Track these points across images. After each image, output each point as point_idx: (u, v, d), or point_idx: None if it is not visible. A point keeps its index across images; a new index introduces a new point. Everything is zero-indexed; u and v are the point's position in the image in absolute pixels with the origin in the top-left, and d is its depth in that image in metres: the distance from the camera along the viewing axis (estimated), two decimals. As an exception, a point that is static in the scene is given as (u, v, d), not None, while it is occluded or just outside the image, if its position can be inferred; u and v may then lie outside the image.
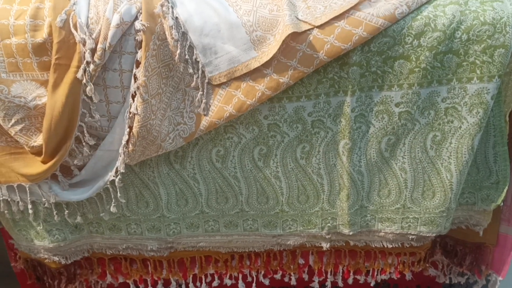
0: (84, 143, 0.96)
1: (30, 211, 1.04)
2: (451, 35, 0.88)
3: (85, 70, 0.88)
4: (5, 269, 1.28)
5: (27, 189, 1.00)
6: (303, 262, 1.18)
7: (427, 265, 1.21)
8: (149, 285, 1.23)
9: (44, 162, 0.96)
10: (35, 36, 0.89)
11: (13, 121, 0.93)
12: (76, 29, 0.87)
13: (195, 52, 0.90)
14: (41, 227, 1.09)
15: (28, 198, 1.02)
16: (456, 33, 0.88)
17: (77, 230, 1.12)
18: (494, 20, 0.87)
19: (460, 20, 0.88)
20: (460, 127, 0.94)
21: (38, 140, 0.95)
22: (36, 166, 0.97)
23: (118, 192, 1.01)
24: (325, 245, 1.12)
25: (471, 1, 0.90)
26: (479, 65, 0.90)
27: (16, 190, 1.01)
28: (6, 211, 1.05)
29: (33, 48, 0.89)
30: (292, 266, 1.18)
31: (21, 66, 0.91)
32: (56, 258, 1.15)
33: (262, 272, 1.20)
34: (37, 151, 0.96)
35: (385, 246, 1.13)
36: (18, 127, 0.94)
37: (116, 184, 0.99)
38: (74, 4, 0.89)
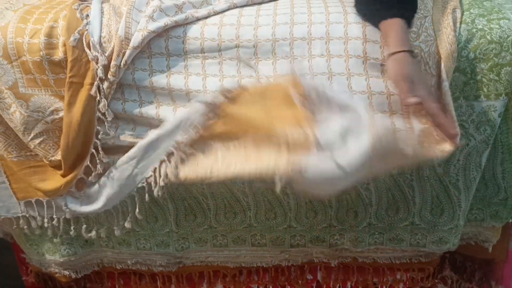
0: (98, 160, 0.97)
1: (47, 225, 1.05)
2: (458, 54, 0.89)
3: (98, 87, 0.90)
4: (17, 282, 1.29)
5: (45, 204, 1.02)
6: (311, 277, 1.18)
7: (436, 281, 1.20)
8: (158, 299, 1.24)
9: (63, 176, 0.97)
10: (51, 54, 0.91)
11: (32, 134, 0.95)
12: (89, 47, 0.89)
13: None
14: (53, 242, 1.11)
15: (46, 214, 1.03)
16: (463, 52, 0.89)
17: (88, 244, 1.13)
18: (501, 39, 0.88)
19: (468, 39, 0.89)
20: (468, 144, 0.95)
21: (56, 155, 0.97)
22: (54, 180, 0.98)
23: (137, 208, 1.02)
24: (333, 262, 1.12)
25: (477, 19, 0.91)
26: (486, 83, 0.90)
27: (34, 205, 1.02)
28: (25, 226, 1.07)
29: (49, 65, 0.92)
30: (300, 282, 1.18)
31: (39, 82, 0.93)
32: (66, 272, 1.16)
33: (270, 287, 1.20)
34: (55, 165, 0.98)
35: (394, 262, 1.12)
36: (37, 141, 0.96)
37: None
38: (87, 24, 0.91)
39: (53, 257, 1.13)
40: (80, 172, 0.97)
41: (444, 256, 1.17)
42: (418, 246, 1.07)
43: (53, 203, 1.02)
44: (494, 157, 0.98)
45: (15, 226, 1.07)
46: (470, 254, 1.16)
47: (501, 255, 1.12)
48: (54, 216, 1.04)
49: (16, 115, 0.93)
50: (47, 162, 0.98)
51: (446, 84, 0.87)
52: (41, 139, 0.96)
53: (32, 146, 0.96)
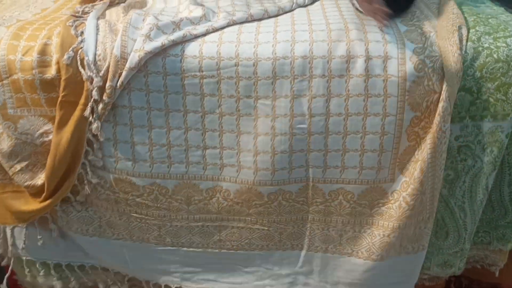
0: (86, 181, 0.95)
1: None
2: (464, 73, 0.86)
3: (92, 108, 0.87)
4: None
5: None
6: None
7: (441, 304, 1.17)
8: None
9: (44, 200, 0.94)
10: (43, 72, 0.88)
11: (19, 157, 0.92)
12: (83, 66, 0.86)
13: None
14: (45, 265, 1.08)
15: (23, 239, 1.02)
16: (469, 71, 0.86)
17: (80, 268, 1.10)
18: (508, 57, 0.86)
19: (474, 57, 0.86)
20: (474, 165, 0.92)
21: (43, 176, 0.94)
22: (35, 203, 0.95)
23: None
24: None
25: (483, 37, 0.89)
26: (492, 103, 0.88)
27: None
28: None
29: (41, 84, 0.89)
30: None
31: (29, 101, 0.90)
32: (59, 296, 1.13)
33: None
34: (37, 191, 0.95)
35: (398, 285, 1.09)
36: (23, 164, 0.93)
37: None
38: (81, 41, 0.88)
39: (45, 280, 1.09)
40: (66, 192, 0.95)
41: (449, 280, 1.14)
42: (422, 268, 1.03)
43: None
44: (501, 178, 0.96)
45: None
46: (476, 277, 1.13)
47: (508, 279, 1.09)
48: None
49: (3, 137, 0.90)
50: (27, 189, 0.95)
51: (443, 105, 0.85)
52: (27, 162, 0.93)
53: (11, 173, 0.93)
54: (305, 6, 1.05)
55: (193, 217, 1.00)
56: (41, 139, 0.92)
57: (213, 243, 1.03)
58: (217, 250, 1.04)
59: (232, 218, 0.99)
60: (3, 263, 1.12)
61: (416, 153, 0.90)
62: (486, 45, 0.87)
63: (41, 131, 0.92)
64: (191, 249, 1.04)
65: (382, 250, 0.97)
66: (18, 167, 0.93)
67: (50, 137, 0.91)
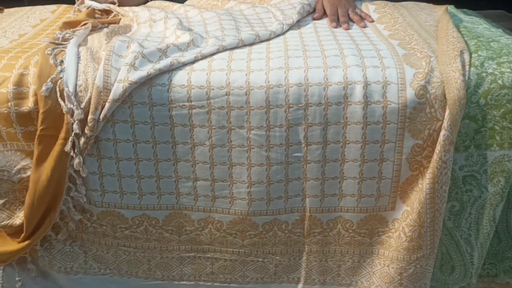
0: (69, 218, 0.89)
1: None
2: (468, 100, 0.82)
3: (73, 143, 0.81)
4: None
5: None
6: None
7: None
8: None
9: (23, 241, 0.88)
10: (20, 105, 0.82)
11: None
12: (63, 98, 0.80)
13: None
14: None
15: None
16: (473, 98, 0.82)
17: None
18: (513, 83, 0.82)
19: (477, 83, 0.82)
20: (480, 196, 0.87)
21: (21, 215, 0.87)
22: (13, 244, 0.88)
23: None
24: None
25: (487, 62, 0.84)
26: (498, 131, 0.83)
27: None
28: None
29: (17, 117, 0.83)
30: None
31: (5, 136, 0.84)
32: None
33: None
34: (15, 231, 0.88)
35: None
36: (0, 202, 0.87)
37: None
38: (61, 71, 0.82)
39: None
40: (47, 230, 0.89)
41: (453, 313, 1.09)
42: (427, 304, 0.98)
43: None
44: (508, 209, 0.91)
45: None
46: (482, 311, 1.07)
47: (515, 313, 1.04)
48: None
49: None
50: (3, 229, 0.89)
51: (445, 134, 0.80)
52: (5, 199, 0.87)
53: None
54: (298, 28, 1.01)
55: (184, 247, 0.95)
56: (18, 176, 0.86)
57: (205, 275, 0.97)
58: (209, 283, 0.98)
59: (225, 250, 0.94)
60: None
61: (419, 182, 0.86)
62: (490, 70, 0.83)
63: (18, 167, 0.86)
64: (182, 282, 0.98)
65: (382, 281, 0.92)
66: None
67: (28, 173, 0.85)
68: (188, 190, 0.90)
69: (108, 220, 0.92)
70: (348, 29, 1.01)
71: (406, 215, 0.88)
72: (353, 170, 0.86)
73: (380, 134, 0.83)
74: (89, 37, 0.93)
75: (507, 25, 1.26)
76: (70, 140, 0.81)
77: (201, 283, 0.98)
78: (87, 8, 1.09)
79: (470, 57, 0.85)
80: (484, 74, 0.83)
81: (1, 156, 0.85)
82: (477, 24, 1.06)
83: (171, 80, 0.83)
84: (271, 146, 0.85)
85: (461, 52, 0.84)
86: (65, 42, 0.89)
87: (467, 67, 0.83)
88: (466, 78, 0.82)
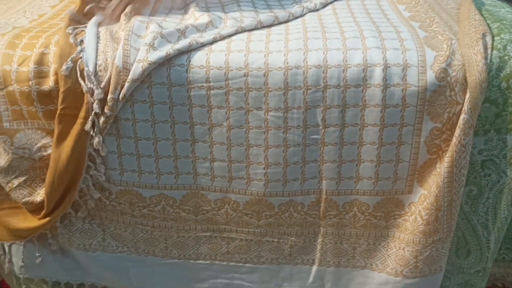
0: (88, 196, 0.90)
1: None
2: (489, 83, 0.81)
3: (93, 122, 0.82)
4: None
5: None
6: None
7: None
8: None
9: (43, 217, 0.89)
10: (40, 84, 0.83)
11: (16, 173, 0.88)
12: (83, 78, 0.81)
13: None
14: (43, 283, 1.04)
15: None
16: (495, 81, 0.81)
17: (79, 287, 1.06)
18: (535, 67, 0.81)
19: (499, 67, 0.81)
20: (499, 181, 0.87)
21: (42, 192, 0.89)
22: (34, 220, 0.91)
23: None
24: None
25: (509, 45, 0.83)
26: (519, 116, 0.83)
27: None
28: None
29: (38, 96, 0.84)
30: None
31: (26, 114, 0.86)
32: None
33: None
34: (35, 208, 0.90)
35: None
36: (21, 180, 0.89)
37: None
38: (81, 50, 0.83)
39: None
40: (67, 208, 0.91)
41: (468, 297, 1.09)
42: (441, 288, 0.99)
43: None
44: (526, 194, 0.90)
45: None
46: (497, 296, 1.08)
47: (531, 298, 1.04)
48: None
49: None
50: (24, 206, 0.91)
51: (464, 118, 0.80)
52: (25, 177, 0.89)
53: (8, 189, 0.89)
54: (316, 10, 1.00)
55: (200, 227, 0.96)
56: (39, 154, 0.88)
57: (221, 255, 0.99)
58: (225, 263, 1.00)
59: (241, 230, 0.95)
60: None
61: (437, 166, 0.86)
62: (513, 53, 0.82)
63: (39, 145, 0.87)
64: (198, 261, 1.00)
65: (397, 264, 0.93)
66: (15, 182, 0.89)
67: (49, 151, 0.87)
68: (205, 171, 0.91)
69: (126, 198, 0.93)
70: None
71: (423, 199, 0.87)
72: (370, 153, 0.86)
73: (398, 117, 0.83)
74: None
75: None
76: (90, 119, 0.82)
77: (217, 262, 0.99)
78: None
79: (493, 40, 0.84)
80: (506, 58, 0.82)
81: (22, 134, 0.86)
82: (499, 7, 1.04)
83: (189, 61, 0.83)
84: (288, 128, 0.85)
85: (483, 35, 0.83)
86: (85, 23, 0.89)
87: (489, 50, 0.82)
88: (488, 61, 0.81)
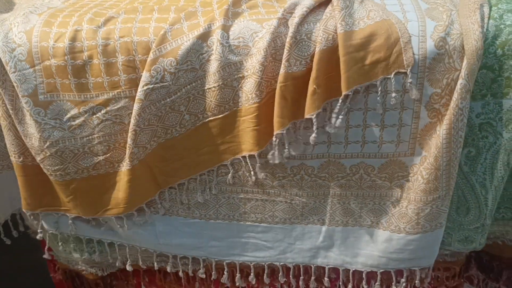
0: None
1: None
2: (485, 51, 0.87)
3: None
4: (45, 279, 1.33)
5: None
6: (335, 276, 1.17)
7: (462, 280, 1.19)
8: (183, 296, 1.25)
9: None
10: (75, 59, 0.92)
11: (48, 143, 0.97)
12: None
13: None
14: (79, 240, 1.14)
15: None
16: (491, 49, 0.87)
17: (113, 243, 1.15)
18: (530, 34, 0.86)
19: (495, 35, 0.87)
20: (495, 142, 0.93)
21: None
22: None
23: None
24: None
25: (506, 14, 0.88)
26: (514, 81, 0.88)
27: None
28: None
29: (72, 69, 0.93)
30: (324, 280, 1.18)
31: (59, 87, 0.94)
32: (93, 270, 1.19)
33: (294, 286, 1.20)
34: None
35: (418, 261, 1.11)
36: (53, 149, 0.97)
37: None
38: None
39: (79, 255, 1.15)
40: None
41: (470, 256, 1.16)
42: (443, 244, 1.05)
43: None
44: (523, 155, 0.96)
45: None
46: (497, 253, 1.14)
47: (529, 255, 1.10)
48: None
49: (31, 123, 0.95)
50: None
51: (462, 82, 0.86)
52: (57, 147, 0.97)
53: (39, 158, 0.98)
54: None
55: (220, 188, 1.04)
56: (68, 123, 0.96)
57: (238, 215, 1.07)
58: (242, 222, 1.08)
59: (256, 190, 1.03)
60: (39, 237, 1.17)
61: (437, 129, 0.92)
62: (509, 22, 0.87)
63: (68, 115, 0.96)
64: (218, 221, 1.08)
65: (400, 221, 1.00)
66: (47, 152, 0.98)
67: (77, 121, 0.95)
68: None
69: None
70: None
71: (424, 160, 0.94)
72: (375, 118, 0.93)
73: (400, 85, 0.89)
74: None
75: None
76: None
77: (234, 222, 1.08)
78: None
79: (490, 10, 0.89)
80: (502, 26, 0.87)
81: (54, 105, 0.95)
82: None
83: None
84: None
85: (481, 5, 0.88)
86: None
87: (486, 20, 0.87)
88: (485, 30, 0.86)
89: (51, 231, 1.13)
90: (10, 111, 0.96)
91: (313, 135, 0.90)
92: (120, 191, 1.01)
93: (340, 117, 0.90)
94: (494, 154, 0.94)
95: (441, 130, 0.90)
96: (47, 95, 0.94)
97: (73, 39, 0.92)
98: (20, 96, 0.94)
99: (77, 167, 1.00)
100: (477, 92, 0.90)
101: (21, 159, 1.02)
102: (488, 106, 0.91)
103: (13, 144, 1.00)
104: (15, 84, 0.93)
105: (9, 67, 0.92)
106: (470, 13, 0.87)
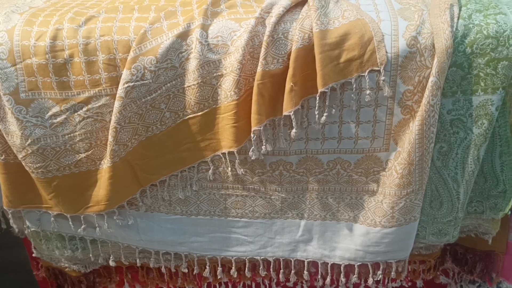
0: None
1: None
2: (455, 49, 0.90)
3: None
4: (28, 277, 1.33)
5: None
6: (314, 270, 1.20)
7: (438, 273, 1.22)
8: (165, 293, 1.27)
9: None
10: (56, 57, 0.93)
11: (29, 140, 0.97)
12: None
13: None
14: (62, 238, 1.15)
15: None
16: (460, 47, 0.90)
17: (95, 240, 1.16)
18: (497, 34, 0.89)
19: (464, 34, 0.90)
20: (466, 138, 0.96)
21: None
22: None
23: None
24: None
25: (474, 14, 0.92)
26: (483, 78, 0.92)
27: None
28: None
29: (53, 68, 0.94)
30: (303, 274, 1.20)
31: (40, 85, 0.95)
32: (76, 267, 1.20)
33: (275, 280, 1.22)
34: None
35: (395, 254, 1.15)
36: (35, 147, 0.98)
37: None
38: None
39: (62, 253, 1.16)
40: None
41: (445, 249, 1.19)
42: (418, 237, 1.08)
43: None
44: (493, 150, 1.00)
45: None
46: (470, 246, 1.17)
47: (500, 247, 1.13)
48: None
49: (13, 121, 0.96)
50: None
51: (433, 80, 0.89)
52: (38, 145, 0.98)
53: (21, 156, 0.99)
54: None
55: (200, 184, 1.06)
56: (49, 121, 0.97)
57: (219, 211, 1.10)
58: (223, 218, 1.10)
59: (236, 186, 1.06)
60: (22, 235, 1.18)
61: (410, 125, 0.95)
62: (477, 22, 0.90)
63: (50, 113, 0.96)
64: (199, 216, 1.11)
65: (376, 215, 1.04)
66: (29, 150, 0.99)
67: (58, 119, 0.97)
68: None
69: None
70: None
71: (398, 155, 0.97)
72: (350, 115, 0.96)
73: (374, 82, 0.92)
74: None
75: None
76: None
77: (216, 217, 1.10)
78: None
79: (460, 10, 0.92)
80: (471, 26, 0.90)
81: (36, 103, 0.95)
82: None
83: None
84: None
85: (451, 5, 0.92)
86: None
87: (455, 19, 0.91)
88: (454, 29, 0.90)
89: (33, 229, 1.13)
90: None
91: (293, 131, 0.93)
92: (101, 189, 1.02)
93: (325, 114, 0.93)
94: (465, 149, 0.97)
95: (414, 126, 0.93)
96: (28, 93, 0.95)
97: (54, 37, 0.93)
98: (1, 94, 0.95)
99: (59, 165, 1.01)
100: (448, 89, 0.93)
101: (3, 157, 1.02)
102: (458, 103, 0.94)
103: None
104: None
105: None
106: (441, 12, 0.91)
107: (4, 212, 1.14)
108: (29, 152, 0.98)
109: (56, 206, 1.07)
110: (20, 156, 1.00)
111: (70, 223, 1.10)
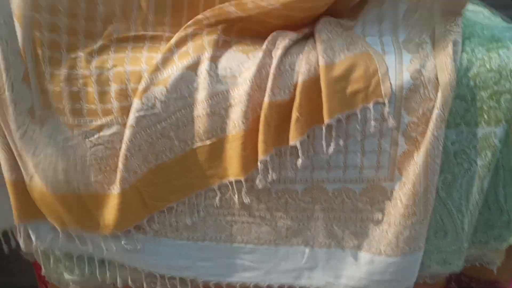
0: None
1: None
2: (458, 82, 0.92)
3: None
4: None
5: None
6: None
7: (443, 301, 1.22)
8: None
9: None
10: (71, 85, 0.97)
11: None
12: None
13: None
14: (71, 260, 1.16)
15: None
16: (463, 80, 0.92)
17: (105, 263, 1.17)
18: (499, 67, 0.91)
19: (467, 67, 0.92)
20: (470, 169, 0.97)
21: None
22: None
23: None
24: None
25: (477, 48, 0.94)
26: (486, 110, 0.93)
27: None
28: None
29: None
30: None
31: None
32: (83, 291, 1.21)
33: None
34: None
35: (399, 282, 1.15)
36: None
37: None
38: None
39: (71, 277, 1.17)
40: None
41: (450, 277, 1.19)
42: (422, 267, 1.08)
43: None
44: (497, 181, 1.00)
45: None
46: (475, 275, 1.17)
47: (505, 276, 1.13)
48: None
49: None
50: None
51: (437, 112, 0.91)
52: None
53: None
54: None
55: (207, 210, 1.07)
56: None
57: (225, 236, 1.10)
58: (228, 244, 1.11)
59: (242, 213, 1.07)
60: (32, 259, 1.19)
61: (414, 156, 0.96)
62: (480, 56, 0.92)
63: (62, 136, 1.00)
64: (205, 242, 1.11)
65: (381, 244, 1.04)
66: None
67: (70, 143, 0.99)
68: None
69: None
70: None
71: (402, 185, 0.98)
72: (355, 144, 0.98)
73: (379, 113, 0.94)
74: None
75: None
76: None
77: (222, 243, 1.11)
78: None
79: (463, 43, 0.95)
80: (474, 59, 0.92)
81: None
82: (478, 12, 1.14)
83: None
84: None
85: (455, 39, 0.94)
86: None
87: (459, 53, 0.93)
88: (457, 63, 0.92)
89: (42, 247, 1.15)
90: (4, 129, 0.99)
91: (299, 160, 0.95)
92: (109, 214, 1.04)
93: (332, 145, 0.95)
94: (468, 180, 0.98)
95: (419, 157, 0.94)
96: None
97: (70, 67, 0.97)
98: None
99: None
100: (451, 121, 0.94)
101: (14, 176, 1.04)
102: (462, 135, 0.95)
103: (5, 160, 1.03)
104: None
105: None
106: (444, 46, 0.93)
107: (13, 231, 1.15)
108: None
109: (65, 223, 1.08)
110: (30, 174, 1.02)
111: (77, 241, 1.11)
